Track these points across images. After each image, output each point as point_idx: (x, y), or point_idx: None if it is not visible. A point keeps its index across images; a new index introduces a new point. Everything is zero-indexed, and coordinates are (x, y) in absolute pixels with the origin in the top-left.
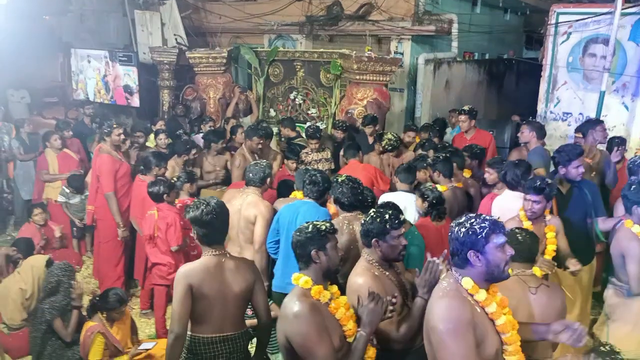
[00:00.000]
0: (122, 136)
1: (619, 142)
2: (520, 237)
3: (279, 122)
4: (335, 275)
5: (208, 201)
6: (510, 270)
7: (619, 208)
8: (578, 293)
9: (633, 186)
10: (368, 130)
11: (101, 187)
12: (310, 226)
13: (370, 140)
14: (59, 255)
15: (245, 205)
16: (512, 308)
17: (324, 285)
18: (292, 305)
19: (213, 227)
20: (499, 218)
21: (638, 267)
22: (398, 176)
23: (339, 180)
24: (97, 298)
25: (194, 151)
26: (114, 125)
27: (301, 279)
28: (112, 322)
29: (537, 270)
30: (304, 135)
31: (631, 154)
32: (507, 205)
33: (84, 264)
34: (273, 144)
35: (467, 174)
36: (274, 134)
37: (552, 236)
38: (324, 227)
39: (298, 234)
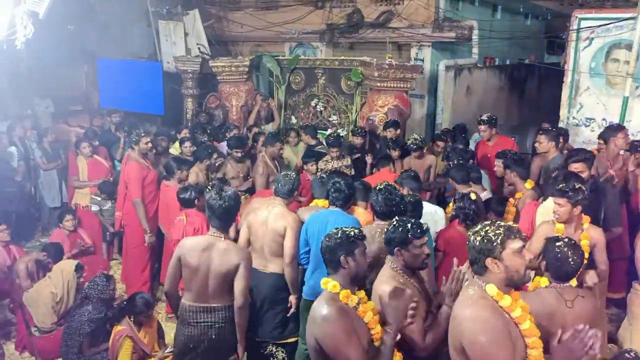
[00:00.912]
0: (150, 144)
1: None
2: (558, 251)
3: (301, 128)
4: (363, 281)
5: (222, 190)
6: (546, 280)
7: None
8: None
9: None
10: (389, 134)
11: (129, 194)
12: (340, 232)
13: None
14: (87, 261)
15: (272, 217)
16: (546, 320)
17: (352, 290)
18: (321, 308)
19: (214, 212)
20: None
21: None
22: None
23: (377, 188)
24: (125, 302)
25: (215, 156)
26: (142, 134)
27: (330, 284)
28: (140, 326)
29: (573, 281)
30: (324, 142)
31: None
32: (549, 212)
33: (111, 269)
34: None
35: (529, 185)
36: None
37: (585, 244)
38: (352, 233)
39: (327, 239)
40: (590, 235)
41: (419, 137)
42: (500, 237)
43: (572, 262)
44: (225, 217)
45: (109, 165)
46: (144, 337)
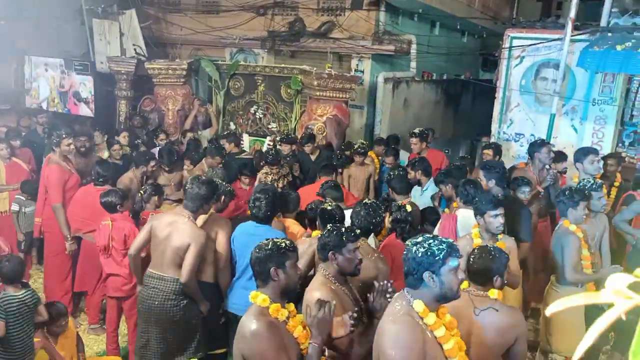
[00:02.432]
0: (72, 146)
1: (558, 158)
2: (476, 258)
3: (223, 136)
4: (294, 294)
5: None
6: (466, 284)
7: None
8: None
9: (567, 192)
10: (307, 148)
11: (49, 199)
12: (270, 243)
13: (313, 157)
14: None
15: (208, 225)
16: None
17: (281, 303)
18: (250, 323)
19: (186, 194)
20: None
21: (572, 257)
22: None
23: (363, 202)
24: None
25: (152, 163)
26: (63, 135)
27: (259, 297)
28: (56, 338)
29: (492, 293)
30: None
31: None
32: (471, 222)
33: (31, 277)
34: None
35: None
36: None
37: None
38: (283, 245)
39: (257, 250)
40: (504, 244)
41: (364, 142)
42: (443, 253)
43: (483, 266)
44: (193, 200)
45: (30, 168)
46: (60, 350)
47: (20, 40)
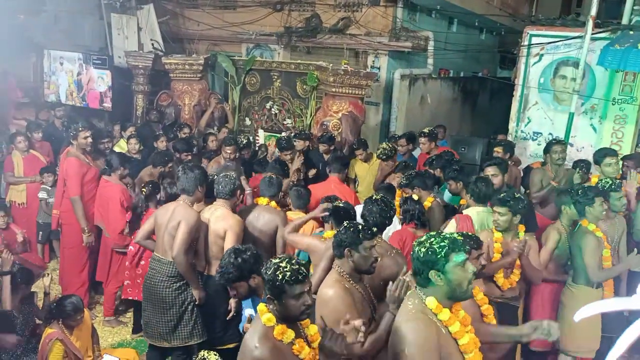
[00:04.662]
0: (90, 139)
1: (584, 167)
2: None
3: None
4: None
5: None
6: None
7: None
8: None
9: (580, 190)
10: (322, 147)
11: (67, 191)
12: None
13: (326, 156)
14: (21, 260)
15: (213, 219)
16: None
17: (287, 324)
18: (253, 348)
19: (179, 181)
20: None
21: (592, 258)
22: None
23: (373, 198)
24: (54, 305)
25: (169, 165)
26: (80, 129)
27: (265, 315)
28: (72, 330)
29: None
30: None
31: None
32: (485, 219)
33: (47, 269)
34: None
35: None
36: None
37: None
38: (293, 278)
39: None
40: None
41: (387, 147)
42: (444, 250)
43: None
44: (189, 186)
45: (48, 161)
46: (76, 341)
47: (39, 35)
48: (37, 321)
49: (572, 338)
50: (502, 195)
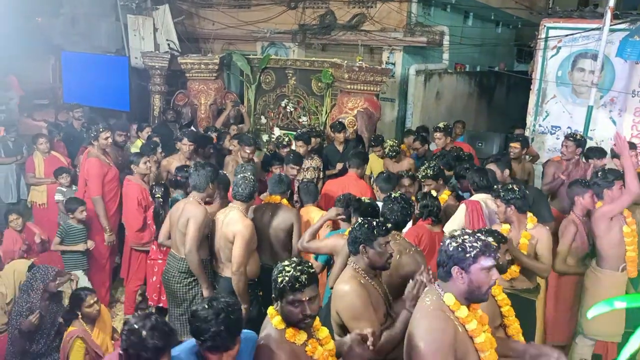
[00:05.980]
0: (110, 140)
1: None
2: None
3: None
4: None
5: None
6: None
7: None
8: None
9: (599, 173)
10: (337, 137)
11: (88, 191)
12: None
13: (340, 148)
14: (42, 260)
15: (226, 221)
16: None
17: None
18: (267, 351)
19: (190, 178)
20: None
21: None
22: (378, 185)
23: (392, 197)
24: (70, 298)
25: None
26: (101, 129)
27: (275, 318)
28: (93, 325)
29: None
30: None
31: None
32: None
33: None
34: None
35: None
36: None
37: (525, 243)
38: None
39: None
40: (530, 235)
41: (394, 143)
42: (475, 251)
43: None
44: (200, 184)
45: (68, 162)
46: (96, 338)
47: (57, 37)
48: (61, 320)
49: (595, 322)
50: (495, 187)
